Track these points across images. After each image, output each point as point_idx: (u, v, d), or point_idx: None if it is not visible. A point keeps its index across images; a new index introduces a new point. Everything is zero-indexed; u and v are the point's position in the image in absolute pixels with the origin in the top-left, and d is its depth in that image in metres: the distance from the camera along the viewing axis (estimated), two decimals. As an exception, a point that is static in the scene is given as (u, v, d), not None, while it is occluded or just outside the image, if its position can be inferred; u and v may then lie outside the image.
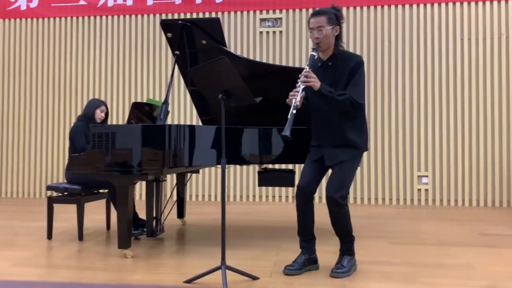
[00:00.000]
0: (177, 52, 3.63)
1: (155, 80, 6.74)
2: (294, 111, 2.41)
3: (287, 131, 2.34)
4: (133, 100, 6.58)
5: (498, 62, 6.05)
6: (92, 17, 6.88)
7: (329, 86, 2.55)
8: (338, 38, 2.65)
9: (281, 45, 6.50)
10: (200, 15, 6.59)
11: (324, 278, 2.61)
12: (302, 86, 2.48)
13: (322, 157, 2.70)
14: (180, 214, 4.40)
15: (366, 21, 6.33)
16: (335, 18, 2.62)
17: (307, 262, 2.75)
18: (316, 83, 2.51)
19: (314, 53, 2.58)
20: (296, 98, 2.44)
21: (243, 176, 6.46)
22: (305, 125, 2.89)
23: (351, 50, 6.32)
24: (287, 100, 2.50)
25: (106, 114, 3.95)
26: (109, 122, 4.47)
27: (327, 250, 3.01)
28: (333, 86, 2.57)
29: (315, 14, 2.63)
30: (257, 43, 6.55)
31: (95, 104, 3.91)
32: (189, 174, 4.38)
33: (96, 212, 4.78)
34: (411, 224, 4.51)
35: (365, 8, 6.33)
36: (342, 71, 2.61)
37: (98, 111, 3.86)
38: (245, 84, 2.52)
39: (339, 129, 2.63)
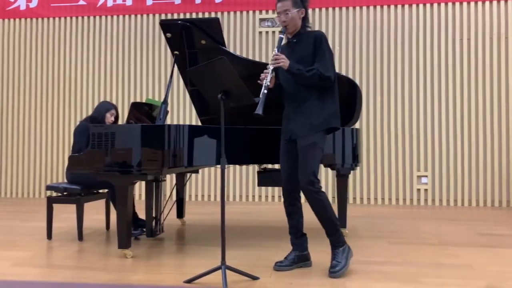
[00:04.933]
0: (176, 52, 3.63)
1: (154, 80, 6.74)
2: (266, 91, 2.53)
3: (259, 110, 2.45)
4: (132, 100, 6.58)
5: (497, 62, 6.05)
6: (91, 17, 6.88)
7: (296, 62, 2.64)
8: (305, 19, 2.76)
9: (280, 45, 6.48)
10: (200, 15, 6.59)
11: (324, 278, 2.61)
12: (271, 67, 2.59)
13: (291, 140, 2.73)
14: (180, 214, 4.41)
15: (365, 21, 6.33)
16: (300, 1, 2.71)
17: (297, 259, 2.77)
18: (285, 63, 2.61)
19: (282, 36, 2.69)
20: (266, 79, 2.56)
21: (243, 176, 6.46)
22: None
23: (351, 50, 6.34)
24: (258, 81, 2.59)
25: (116, 118, 3.91)
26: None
27: (326, 250, 3.00)
28: (300, 62, 2.65)
29: None
30: (257, 43, 6.55)
31: (105, 107, 3.85)
32: (188, 174, 4.38)
33: (96, 212, 4.78)
34: (410, 224, 4.51)
35: (364, 8, 6.33)
36: (307, 47, 2.69)
37: (108, 115, 3.82)
38: (244, 84, 2.53)
39: (306, 105, 2.68)
